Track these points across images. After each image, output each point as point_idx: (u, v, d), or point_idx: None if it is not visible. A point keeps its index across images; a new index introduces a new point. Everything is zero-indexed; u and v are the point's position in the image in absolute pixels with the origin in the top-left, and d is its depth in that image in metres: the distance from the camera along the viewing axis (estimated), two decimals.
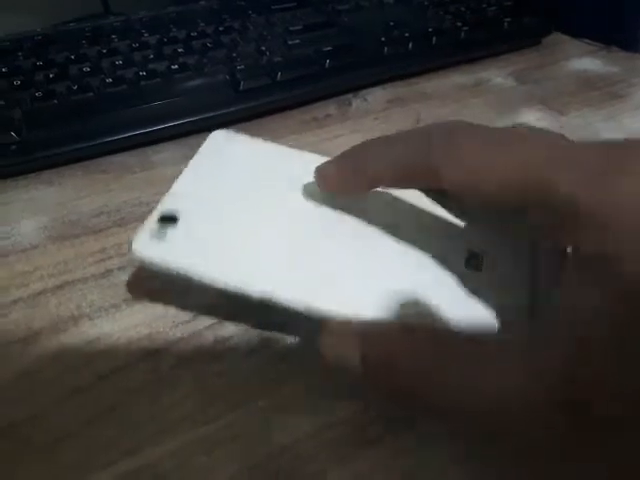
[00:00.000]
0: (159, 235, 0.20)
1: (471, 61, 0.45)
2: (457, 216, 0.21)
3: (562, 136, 0.17)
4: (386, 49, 0.41)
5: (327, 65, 0.39)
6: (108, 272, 0.25)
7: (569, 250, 0.16)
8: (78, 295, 0.24)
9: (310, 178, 0.21)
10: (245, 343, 0.22)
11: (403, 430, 0.19)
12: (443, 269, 0.20)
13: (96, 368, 0.21)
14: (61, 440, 0.19)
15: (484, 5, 0.48)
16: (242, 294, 0.19)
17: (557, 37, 0.49)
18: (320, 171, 0.21)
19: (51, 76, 0.36)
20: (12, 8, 0.48)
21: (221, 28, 0.42)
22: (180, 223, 0.20)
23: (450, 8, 0.47)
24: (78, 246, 0.27)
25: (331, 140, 0.35)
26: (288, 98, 0.38)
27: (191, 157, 0.23)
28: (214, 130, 0.24)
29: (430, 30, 0.43)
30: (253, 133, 0.24)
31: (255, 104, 0.36)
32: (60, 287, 0.24)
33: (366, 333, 0.17)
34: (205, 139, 0.24)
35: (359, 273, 0.20)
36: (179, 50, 0.39)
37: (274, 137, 0.24)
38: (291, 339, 0.22)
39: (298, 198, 0.22)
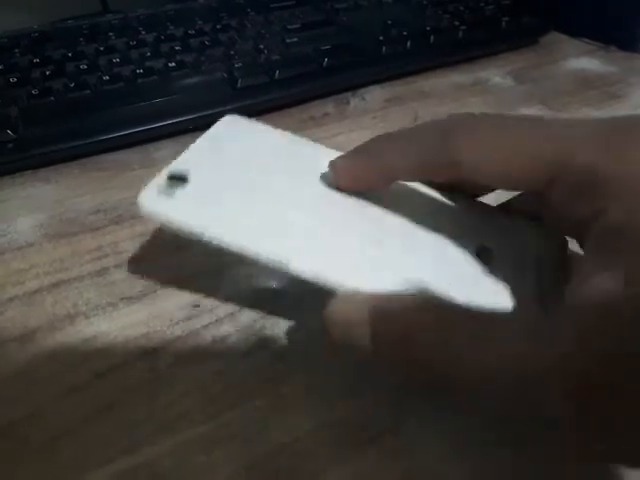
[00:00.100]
0: (167, 191, 0.19)
1: (469, 60, 0.45)
2: (466, 211, 0.22)
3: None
4: (384, 48, 0.41)
5: (325, 64, 0.39)
6: (105, 270, 0.25)
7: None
8: (74, 293, 0.24)
9: (325, 168, 0.21)
10: (243, 342, 0.22)
11: (403, 429, 0.19)
12: (453, 256, 0.20)
13: (93, 367, 0.21)
14: (59, 439, 0.18)
15: (482, 4, 0.48)
16: (249, 257, 0.18)
17: (555, 36, 0.49)
18: (335, 166, 0.21)
19: (48, 73, 0.35)
20: (10, 6, 0.48)
21: (219, 26, 0.42)
22: (190, 184, 0.19)
23: (448, 7, 0.47)
24: (75, 244, 0.27)
25: (329, 139, 0.35)
26: (286, 96, 0.38)
27: None
28: None
29: (428, 29, 0.43)
30: None
31: (253, 102, 0.36)
32: (56, 285, 0.24)
33: (377, 304, 0.17)
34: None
35: (371, 251, 0.19)
36: (176, 48, 0.39)
37: None
38: (291, 338, 0.22)
39: (313, 181, 0.21)
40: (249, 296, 0.24)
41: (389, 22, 0.44)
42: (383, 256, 0.19)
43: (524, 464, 0.18)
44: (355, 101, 0.40)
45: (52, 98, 0.34)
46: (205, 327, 0.22)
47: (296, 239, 0.18)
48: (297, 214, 0.20)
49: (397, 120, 0.37)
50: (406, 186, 0.22)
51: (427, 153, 0.18)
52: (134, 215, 0.28)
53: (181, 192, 0.19)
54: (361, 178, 0.20)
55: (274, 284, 0.24)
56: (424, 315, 0.16)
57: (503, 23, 0.46)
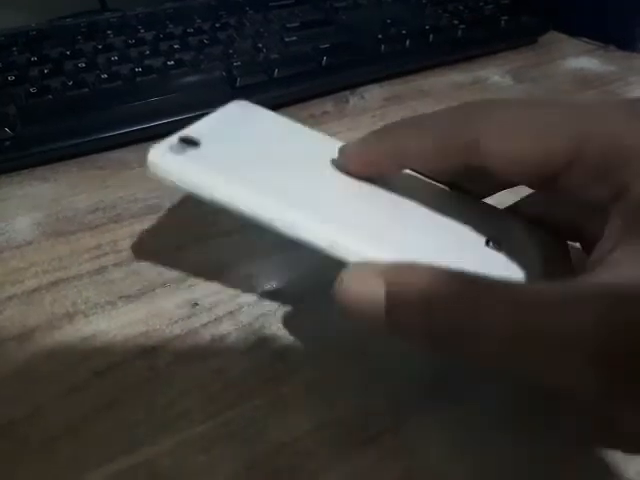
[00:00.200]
0: (178, 150, 0.18)
1: (468, 59, 0.45)
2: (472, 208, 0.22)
3: None
4: (383, 47, 0.41)
5: (324, 62, 0.39)
6: (103, 269, 0.25)
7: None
8: (73, 292, 0.24)
9: (335, 155, 0.21)
10: (243, 341, 0.22)
11: (403, 429, 0.19)
12: (464, 241, 0.19)
13: (92, 365, 0.21)
14: (58, 438, 0.18)
15: (481, 3, 0.48)
16: (261, 221, 0.17)
17: (554, 36, 0.49)
18: (345, 149, 0.20)
19: (46, 72, 0.35)
20: (8, 4, 0.48)
21: (218, 24, 0.42)
22: (201, 147, 0.19)
23: (448, 6, 0.47)
24: (73, 242, 0.26)
25: None
26: (285, 95, 0.38)
27: None
28: None
29: (427, 28, 0.43)
30: None
31: (252, 101, 0.36)
32: (55, 284, 0.24)
33: (394, 272, 0.15)
34: None
35: (383, 226, 0.19)
36: (175, 46, 0.39)
37: None
38: (291, 337, 0.22)
39: (323, 163, 0.21)
40: (249, 295, 0.24)
41: (388, 21, 0.44)
42: (396, 232, 0.18)
43: (524, 464, 0.18)
44: (354, 100, 0.39)
45: (50, 96, 0.33)
46: (204, 326, 0.22)
47: (308, 207, 0.17)
48: (309, 185, 0.19)
49: (396, 119, 0.36)
50: (415, 178, 0.22)
51: (443, 135, 0.18)
52: (133, 214, 0.28)
53: (192, 152, 0.18)
54: (372, 162, 0.20)
55: (274, 284, 0.24)
56: (449, 283, 0.15)
57: (502, 22, 0.46)
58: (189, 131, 0.19)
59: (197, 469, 0.18)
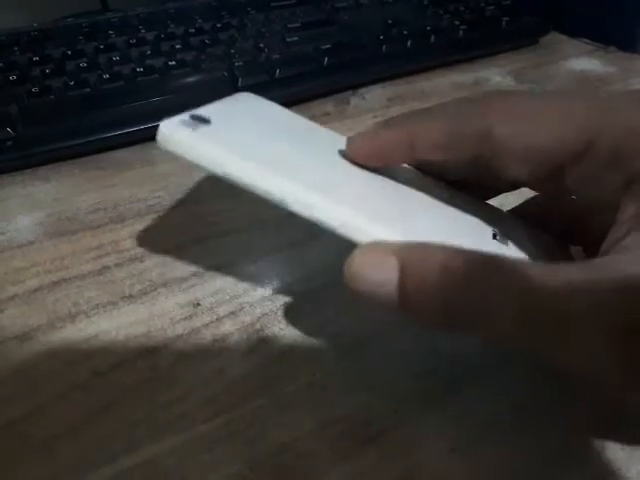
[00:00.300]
0: (190, 125, 0.18)
1: (470, 60, 0.45)
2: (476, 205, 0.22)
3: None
4: (385, 47, 0.41)
5: (325, 63, 0.39)
6: (105, 269, 0.25)
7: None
8: (75, 292, 0.24)
9: (342, 146, 0.20)
10: (244, 341, 0.22)
11: (405, 426, 0.19)
12: (472, 231, 0.19)
13: (94, 365, 0.21)
14: (59, 437, 0.18)
15: (483, 4, 0.48)
16: (272, 197, 0.17)
17: (555, 37, 0.49)
18: (355, 140, 0.20)
19: (48, 71, 0.35)
20: (10, 4, 0.48)
21: (219, 25, 0.42)
22: (212, 125, 0.18)
23: (449, 7, 0.47)
24: (75, 242, 0.26)
25: None
26: (286, 95, 0.37)
27: None
28: None
29: (429, 29, 0.43)
30: None
31: None
32: (57, 284, 0.24)
33: (408, 251, 0.15)
34: None
35: (393, 210, 0.18)
36: (177, 46, 0.39)
37: None
38: (292, 337, 0.22)
39: (331, 152, 0.21)
40: (250, 295, 0.24)
41: (390, 21, 0.44)
42: (406, 217, 0.18)
43: (524, 462, 0.18)
44: (355, 100, 0.39)
45: (52, 96, 0.33)
46: (206, 326, 0.22)
47: (320, 187, 0.17)
48: (320, 168, 0.19)
49: None
50: (422, 174, 0.22)
51: (455, 123, 0.18)
52: (134, 214, 0.28)
53: (204, 128, 0.18)
54: (381, 151, 0.19)
55: (275, 284, 0.24)
56: (464, 261, 0.14)
57: (503, 23, 0.46)
58: (199, 110, 0.19)
59: (199, 469, 0.18)
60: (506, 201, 0.24)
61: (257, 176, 0.17)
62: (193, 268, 0.25)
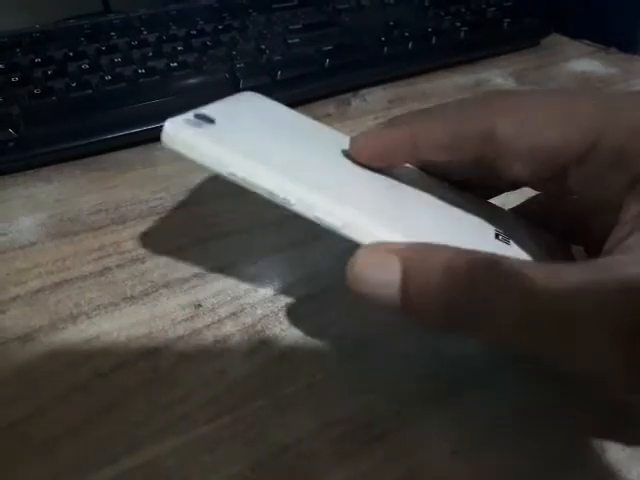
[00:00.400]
0: (194, 124, 0.18)
1: (471, 61, 0.45)
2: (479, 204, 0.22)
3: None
4: (386, 49, 0.41)
5: (327, 64, 0.39)
6: (107, 270, 0.25)
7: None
8: (77, 293, 0.24)
9: (345, 147, 0.21)
10: (245, 342, 0.22)
11: (407, 428, 0.19)
12: (474, 232, 0.19)
13: (95, 366, 0.21)
14: (60, 438, 0.18)
15: (484, 6, 0.48)
16: (276, 198, 0.17)
17: (556, 38, 0.49)
18: (357, 140, 0.20)
19: (50, 73, 0.35)
20: (12, 5, 0.48)
21: (221, 26, 0.42)
22: (216, 124, 0.18)
23: (450, 9, 0.47)
24: (77, 243, 0.26)
25: None
26: (287, 97, 0.37)
27: None
28: None
29: (430, 30, 0.43)
30: None
31: None
32: (58, 285, 0.24)
33: (411, 251, 0.15)
34: None
35: (396, 211, 0.18)
36: (178, 48, 0.39)
37: None
38: (293, 338, 0.22)
39: (334, 152, 0.21)
40: (251, 296, 0.24)
41: (391, 23, 0.44)
42: (408, 218, 0.18)
43: (525, 463, 0.18)
44: (357, 102, 0.40)
45: (54, 98, 0.33)
46: (207, 327, 0.22)
47: (323, 187, 0.17)
48: (323, 168, 0.19)
49: None
50: (424, 174, 0.22)
51: (458, 124, 0.18)
52: (136, 215, 0.28)
53: (208, 127, 0.18)
54: (384, 152, 0.19)
55: (276, 285, 0.24)
56: (467, 262, 0.14)
57: (505, 25, 0.46)
58: (203, 110, 0.19)
59: (200, 470, 0.18)
60: (507, 200, 0.24)
61: (260, 177, 0.17)
62: (194, 269, 0.25)
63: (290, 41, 0.41)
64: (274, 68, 0.38)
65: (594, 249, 0.17)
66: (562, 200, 0.22)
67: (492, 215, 0.21)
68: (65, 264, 0.25)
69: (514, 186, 0.22)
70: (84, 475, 0.17)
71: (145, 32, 0.41)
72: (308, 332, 0.22)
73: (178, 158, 0.17)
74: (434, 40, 0.43)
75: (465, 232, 0.19)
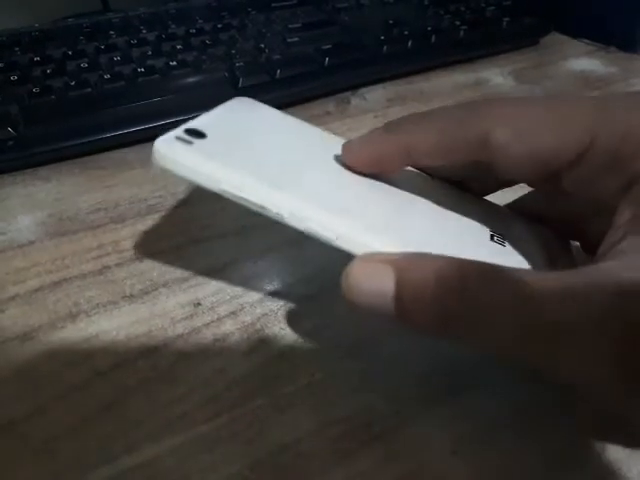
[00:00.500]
0: (185, 141, 0.18)
1: (470, 60, 0.45)
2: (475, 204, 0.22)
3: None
4: (385, 48, 0.41)
5: (326, 63, 0.39)
6: (106, 269, 0.25)
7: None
8: (76, 292, 0.24)
9: (338, 151, 0.21)
10: (245, 341, 0.22)
11: (406, 428, 0.19)
12: (469, 235, 0.19)
13: (94, 365, 0.21)
14: (59, 437, 0.18)
15: (483, 5, 0.48)
16: (268, 212, 0.17)
17: (556, 37, 0.49)
18: (350, 147, 0.20)
19: (49, 72, 0.35)
20: (11, 4, 0.48)
21: (220, 25, 0.42)
22: (207, 139, 0.18)
23: (450, 7, 0.47)
24: (76, 242, 0.26)
25: None
26: (287, 96, 0.38)
27: None
28: None
29: (429, 29, 0.43)
30: None
31: None
32: (57, 284, 0.24)
33: (405, 261, 0.15)
34: None
35: (390, 220, 0.18)
36: (178, 47, 0.39)
37: None
38: (292, 337, 0.22)
39: (326, 158, 0.21)
40: (250, 295, 0.24)
41: (390, 22, 0.44)
42: (402, 226, 0.18)
43: (525, 463, 0.18)
44: (356, 100, 0.40)
45: (53, 96, 0.33)
46: (206, 326, 0.22)
47: (315, 200, 0.17)
48: (315, 179, 0.19)
49: None
50: (419, 174, 0.22)
51: (452, 130, 0.18)
52: (135, 214, 0.28)
53: (199, 143, 0.18)
54: (377, 158, 0.19)
55: (275, 284, 0.24)
56: (460, 270, 0.14)
57: (504, 23, 0.46)
58: (194, 123, 0.19)
59: (199, 469, 0.18)
60: (504, 198, 0.24)
61: (251, 192, 0.17)
62: (194, 268, 0.25)
63: (289, 40, 0.41)
64: (273, 67, 0.37)
65: (591, 249, 0.17)
66: (560, 198, 0.22)
67: (489, 215, 0.21)
68: (64, 263, 0.25)
69: (511, 184, 0.22)
70: (83, 474, 0.17)
71: (144, 31, 0.41)
72: (307, 331, 0.22)
73: (172, 175, 0.17)
74: (433, 39, 0.43)
75: (460, 236, 0.19)
